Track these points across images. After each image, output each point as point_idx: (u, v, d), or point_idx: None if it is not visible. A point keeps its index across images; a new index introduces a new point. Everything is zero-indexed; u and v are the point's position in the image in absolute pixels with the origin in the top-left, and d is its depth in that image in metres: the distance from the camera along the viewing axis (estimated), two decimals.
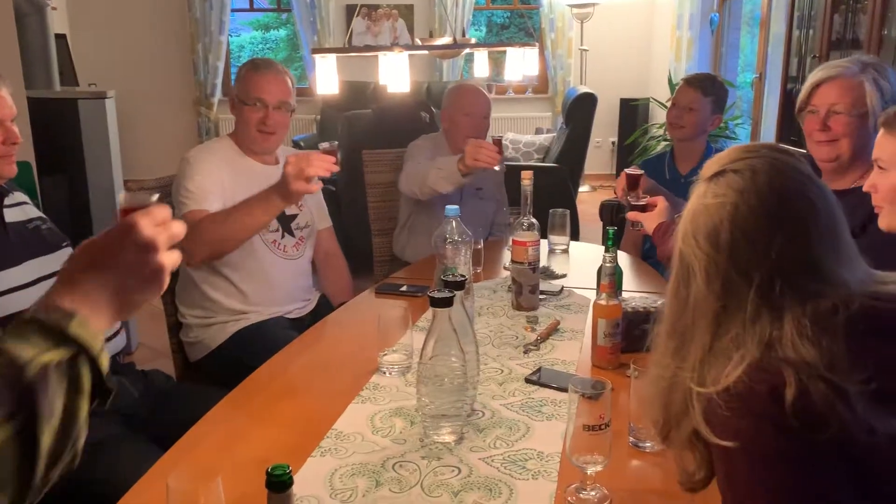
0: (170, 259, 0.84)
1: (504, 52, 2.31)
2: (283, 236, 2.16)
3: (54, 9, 5.22)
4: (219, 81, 7.00)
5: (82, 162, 3.31)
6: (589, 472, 1.09)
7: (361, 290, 2.21)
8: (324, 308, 2.23)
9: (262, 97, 2.09)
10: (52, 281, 1.65)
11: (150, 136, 6.77)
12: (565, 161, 4.77)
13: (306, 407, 1.44)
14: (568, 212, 2.36)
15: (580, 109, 4.97)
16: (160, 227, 0.83)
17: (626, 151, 6.30)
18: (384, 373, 1.53)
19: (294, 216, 2.20)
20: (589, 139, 5.08)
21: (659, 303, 1.66)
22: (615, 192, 2.07)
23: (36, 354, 0.68)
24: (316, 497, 1.09)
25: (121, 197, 0.92)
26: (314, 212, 2.28)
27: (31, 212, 1.76)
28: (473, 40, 2.69)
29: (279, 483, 0.79)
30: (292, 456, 1.21)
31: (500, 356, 1.60)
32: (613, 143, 7.02)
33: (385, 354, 1.56)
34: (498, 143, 2.26)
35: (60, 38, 5.50)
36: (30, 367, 0.67)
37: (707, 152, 2.61)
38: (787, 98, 3.99)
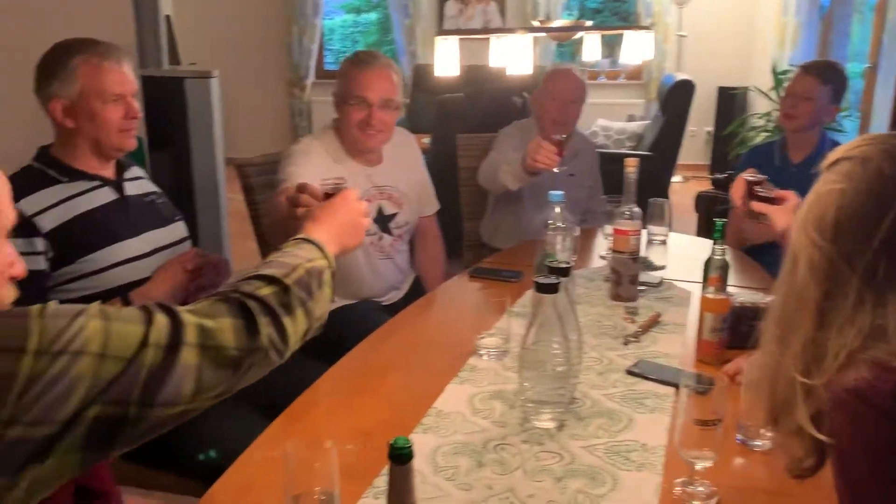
0: (367, 222, 1.27)
1: (612, 36, 2.25)
2: (380, 238, 2.15)
3: None
4: (312, 64, 7.14)
5: (187, 139, 3.44)
6: (698, 467, 1.06)
7: (450, 274, 2.22)
8: (416, 293, 2.24)
9: (364, 95, 1.98)
10: (166, 252, 1.75)
11: (244, 116, 6.97)
12: (659, 150, 4.65)
13: (405, 384, 1.47)
14: (668, 201, 2.29)
15: (677, 97, 4.82)
16: (362, 201, 1.25)
17: (722, 142, 6.09)
18: (481, 356, 1.54)
19: (393, 215, 2.17)
20: (685, 128, 4.92)
21: (767, 299, 1.60)
22: (732, 196, 1.73)
23: (314, 257, 1.04)
24: (420, 472, 1.11)
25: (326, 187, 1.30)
26: (414, 204, 2.26)
27: (147, 186, 1.85)
28: (589, 23, 2.63)
29: (402, 456, 0.81)
30: (394, 431, 1.22)
31: (598, 346, 1.58)
32: (709, 132, 6.80)
33: (482, 338, 1.56)
34: (559, 143, 2.19)
35: (165, 18, 5.73)
36: (312, 262, 1.02)
37: (822, 143, 2.48)
38: None
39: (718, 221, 1.60)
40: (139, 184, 1.81)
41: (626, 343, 1.59)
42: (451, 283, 2.11)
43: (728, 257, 1.59)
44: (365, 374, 1.50)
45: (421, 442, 1.20)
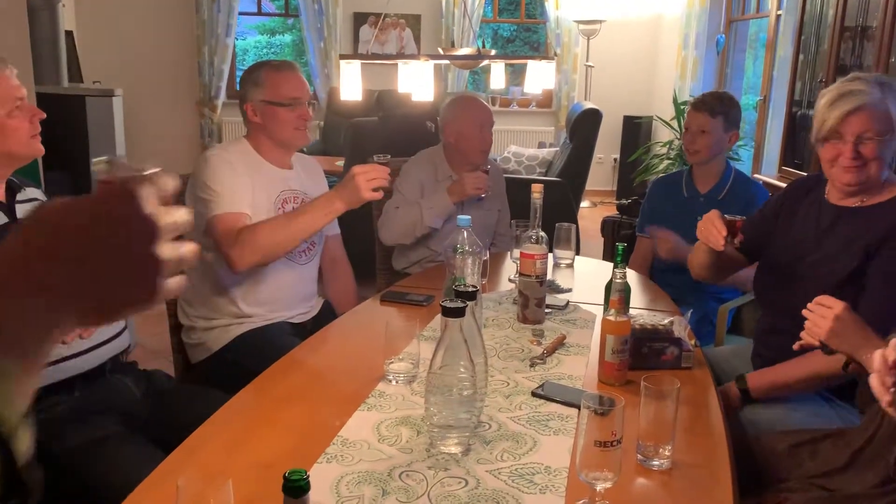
0: (175, 252, 0.54)
1: (523, 64, 2.33)
2: None
3: (63, 5, 5.23)
4: (223, 84, 7.00)
5: (87, 159, 3.30)
6: (598, 488, 1.08)
7: (362, 298, 2.20)
8: (326, 314, 2.22)
9: (297, 96, 2.09)
10: None
11: (152, 136, 6.76)
12: (568, 176, 4.78)
13: (311, 412, 1.44)
14: (574, 226, 2.36)
15: (584, 125, 4.98)
16: (165, 207, 0.55)
17: (628, 168, 6.32)
18: (390, 381, 1.53)
19: None
20: (592, 155, 5.09)
21: (667, 321, 1.66)
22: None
23: None
24: (322, 503, 1.08)
25: (99, 167, 0.69)
26: None
27: None
28: (494, 52, 2.70)
29: (296, 488, 0.79)
30: (298, 461, 1.20)
31: (506, 368, 1.59)
32: (615, 159, 7.04)
33: (391, 363, 1.55)
34: (486, 171, 2.49)
35: (67, 34, 5.51)
36: None
37: (727, 171, 2.58)
38: (792, 121, 4.01)
39: (619, 245, 1.65)
40: (34, 206, 1.72)
41: (532, 365, 1.61)
42: (362, 307, 2.09)
43: (633, 280, 1.65)
44: (270, 403, 1.46)
45: (324, 472, 1.17)
